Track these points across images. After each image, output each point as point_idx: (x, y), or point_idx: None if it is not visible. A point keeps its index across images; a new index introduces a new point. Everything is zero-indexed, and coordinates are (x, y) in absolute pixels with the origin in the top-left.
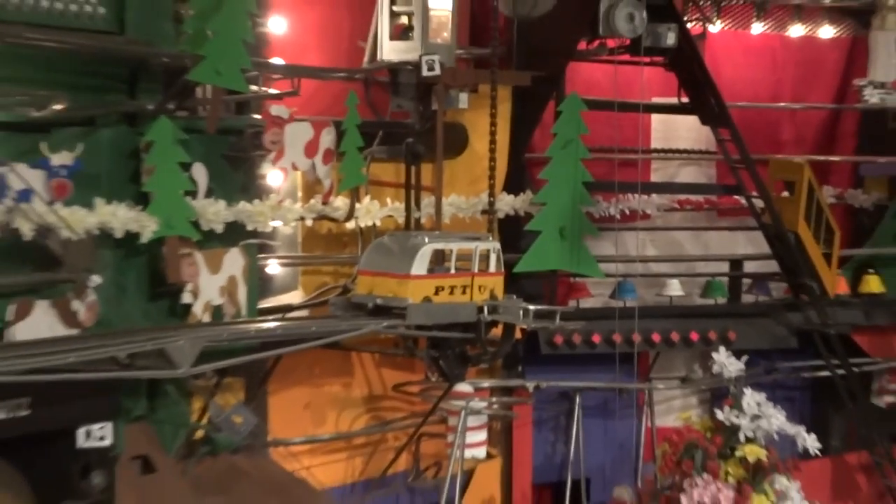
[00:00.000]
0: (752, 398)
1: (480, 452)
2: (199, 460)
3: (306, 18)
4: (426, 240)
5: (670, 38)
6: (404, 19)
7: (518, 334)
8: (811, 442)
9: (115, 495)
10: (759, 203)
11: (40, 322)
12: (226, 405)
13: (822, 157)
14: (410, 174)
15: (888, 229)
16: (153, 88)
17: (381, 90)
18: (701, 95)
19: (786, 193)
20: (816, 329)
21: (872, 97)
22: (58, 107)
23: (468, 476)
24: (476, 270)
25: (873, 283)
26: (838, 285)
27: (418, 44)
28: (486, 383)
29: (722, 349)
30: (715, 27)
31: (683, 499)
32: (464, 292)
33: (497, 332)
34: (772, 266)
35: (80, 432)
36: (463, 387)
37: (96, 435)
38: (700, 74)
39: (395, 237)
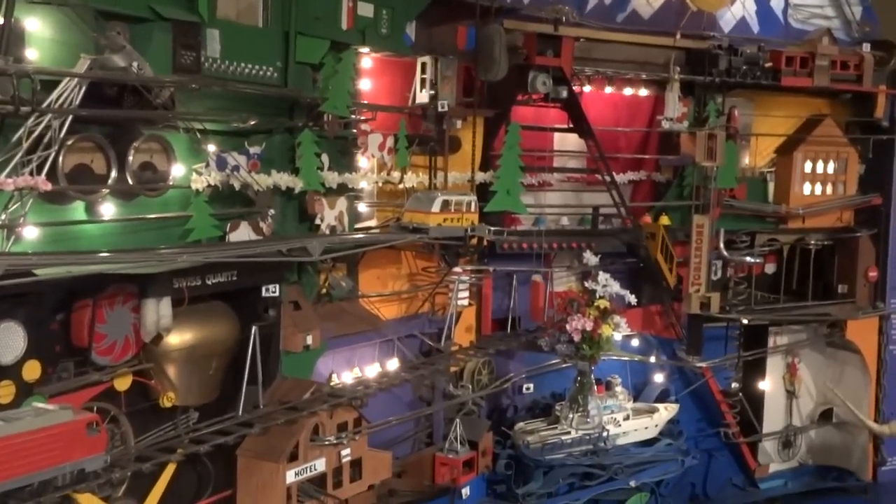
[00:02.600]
0: (602, 276)
1: (465, 302)
2: (323, 303)
3: (380, 80)
4: (439, 194)
5: (563, 93)
6: (430, 80)
7: (484, 243)
8: (631, 298)
9: (280, 321)
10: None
11: (243, 233)
12: (337, 275)
13: (640, 156)
14: (432, 161)
15: (672, 193)
16: (301, 114)
17: (417, 118)
18: (579, 123)
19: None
20: (635, 242)
21: (666, 125)
22: (253, 122)
23: (459, 314)
24: (464, 210)
25: (664, 220)
26: (645, 220)
27: (437, 94)
28: (468, 267)
29: (588, 252)
30: (587, 88)
31: (567, 325)
32: (458, 221)
33: (473, 241)
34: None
35: (263, 288)
36: (456, 269)
37: (271, 290)
38: (578, 112)
39: (423, 193)
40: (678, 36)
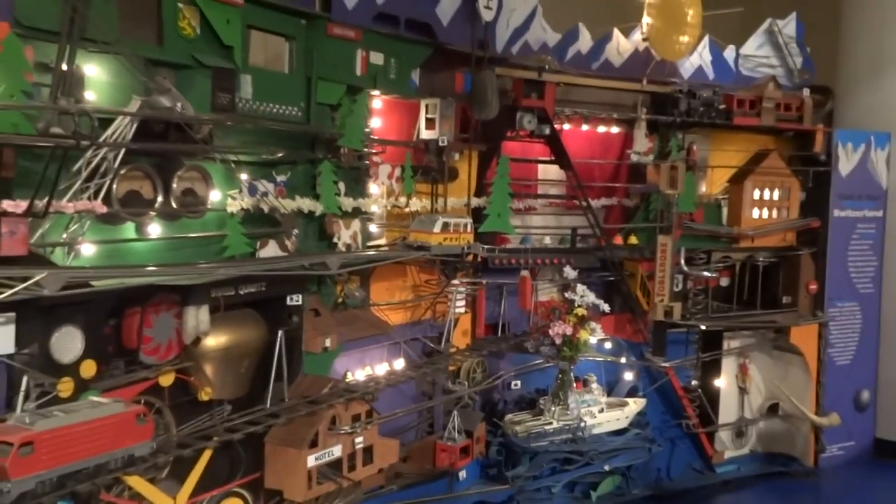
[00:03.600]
0: (580, 288)
1: (462, 310)
2: (339, 311)
3: (389, 118)
4: (439, 217)
5: (546, 130)
6: (432, 118)
7: (478, 259)
8: (605, 307)
9: (302, 326)
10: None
11: (271, 250)
12: (351, 287)
13: (612, 184)
14: (433, 188)
15: (640, 216)
16: (321, 147)
17: (421, 151)
18: (560, 156)
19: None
20: (608, 258)
21: (634, 158)
22: (280, 154)
23: (456, 320)
24: (461, 231)
25: (633, 239)
26: (617, 239)
27: (438, 131)
28: (464, 279)
29: (568, 267)
30: (566, 126)
31: (550, 330)
32: (456, 240)
33: (469, 258)
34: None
35: (288, 297)
36: (454, 281)
37: (295, 299)
38: (559, 147)
39: (426, 216)
40: (645, 81)
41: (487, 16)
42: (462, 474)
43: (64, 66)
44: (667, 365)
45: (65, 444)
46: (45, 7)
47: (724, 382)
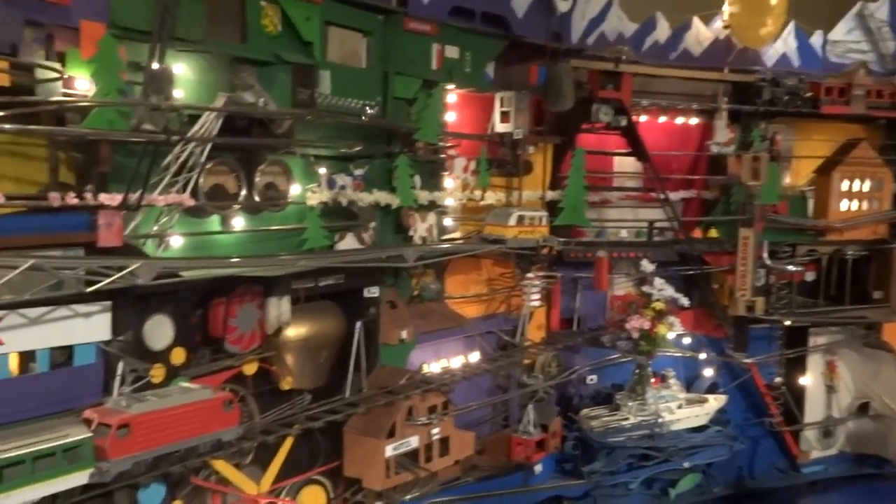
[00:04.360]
0: (658, 281)
1: (536, 303)
2: (415, 304)
3: (464, 112)
4: (515, 210)
5: (623, 122)
6: (506, 112)
7: (553, 252)
8: (684, 301)
9: (379, 318)
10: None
11: (349, 242)
12: (427, 280)
13: (691, 176)
14: (508, 181)
15: (720, 209)
16: (398, 141)
17: (495, 144)
18: (637, 148)
19: None
20: (687, 252)
21: (714, 149)
22: (357, 148)
23: (531, 314)
24: (536, 224)
25: (713, 232)
26: (696, 232)
27: (512, 124)
28: (539, 273)
29: (645, 261)
30: (643, 118)
31: (627, 325)
32: (531, 234)
33: (544, 251)
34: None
35: (366, 290)
36: (529, 275)
37: (372, 291)
38: (636, 139)
39: (501, 209)
40: (726, 70)
41: (563, 7)
42: (538, 468)
43: (155, 65)
44: (749, 361)
45: (158, 428)
46: (138, 8)
47: (809, 380)
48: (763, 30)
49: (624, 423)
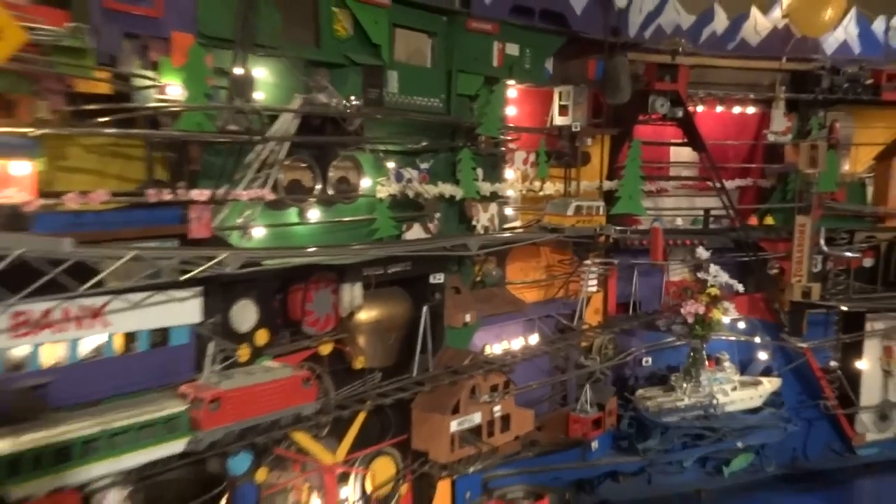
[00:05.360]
0: (713, 268)
1: (594, 289)
2: (478, 289)
3: (523, 106)
4: (573, 201)
5: (679, 113)
6: (565, 105)
7: (610, 240)
8: (738, 287)
9: (444, 302)
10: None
11: (416, 232)
12: (489, 266)
13: (747, 165)
14: (566, 172)
15: (776, 196)
16: (461, 136)
17: (554, 137)
18: (693, 138)
19: None
20: (742, 239)
21: (771, 138)
22: (424, 143)
23: (588, 298)
24: (593, 213)
25: (769, 220)
26: (751, 220)
27: (571, 117)
28: (597, 260)
29: (700, 248)
30: (700, 108)
31: (682, 309)
32: (588, 222)
33: (601, 239)
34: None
35: (431, 276)
36: (587, 261)
37: (438, 278)
38: (692, 129)
39: (560, 199)
40: (784, 60)
41: (620, 2)
42: (594, 445)
43: (238, 71)
44: (804, 345)
45: (245, 402)
46: (222, 19)
47: (866, 364)
48: (823, 18)
49: (678, 403)
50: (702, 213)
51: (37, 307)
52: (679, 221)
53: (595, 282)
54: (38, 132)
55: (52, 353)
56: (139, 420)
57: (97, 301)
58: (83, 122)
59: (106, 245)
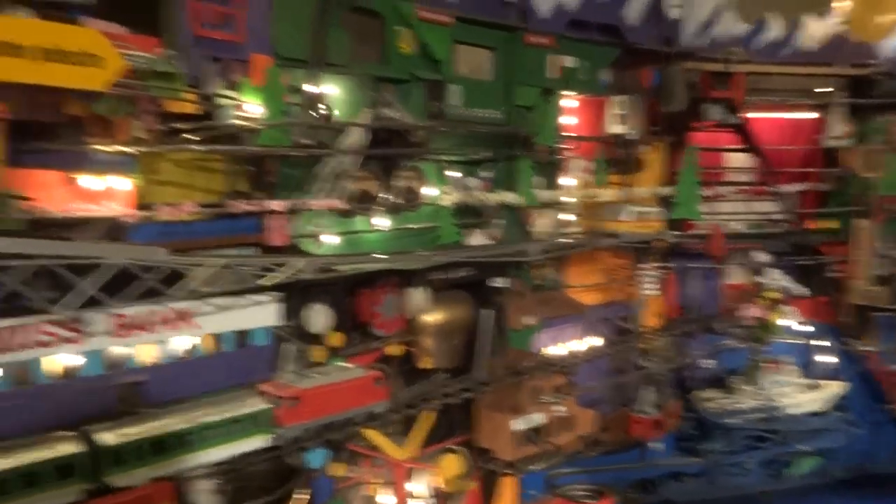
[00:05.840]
0: (772, 271)
1: (652, 292)
2: (538, 293)
3: (580, 115)
4: (630, 206)
5: (735, 120)
6: (621, 114)
7: (669, 244)
8: (799, 290)
9: (506, 305)
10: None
11: (478, 238)
12: (548, 271)
13: (805, 169)
14: (624, 179)
15: (835, 200)
16: (520, 145)
17: (611, 145)
18: (749, 144)
19: None
20: (802, 243)
21: (828, 143)
22: (484, 153)
23: (647, 302)
24: (651, 219)
25: (828, 223)
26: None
27: (627, 125)
28: (654, 264)
29: (759, 252)
30: (756, 114)
31: (741, 313)
32: (646, 228)
33: (659, 244)
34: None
35: (493, 280)
36: (645, 265)
37: (499, 282)
38: (748, 135)
39: (617, 205)
40: (840, 65)
41: (675, 13)
42: (656, 445)
43: (311, 88)
44: (870, 349)
45: (322, 400)
46: (296, 40)
47: None
48: (881, 23)
49: (740, 405)
50: (759, 217)
51: (134, 310)
52: (737, 226)
53: (653, 285)
54: (136, 150)
55: (148, 352)
56: (227, 416)
57: (188, 305)
58: (173, 140)
59: (192, 253)
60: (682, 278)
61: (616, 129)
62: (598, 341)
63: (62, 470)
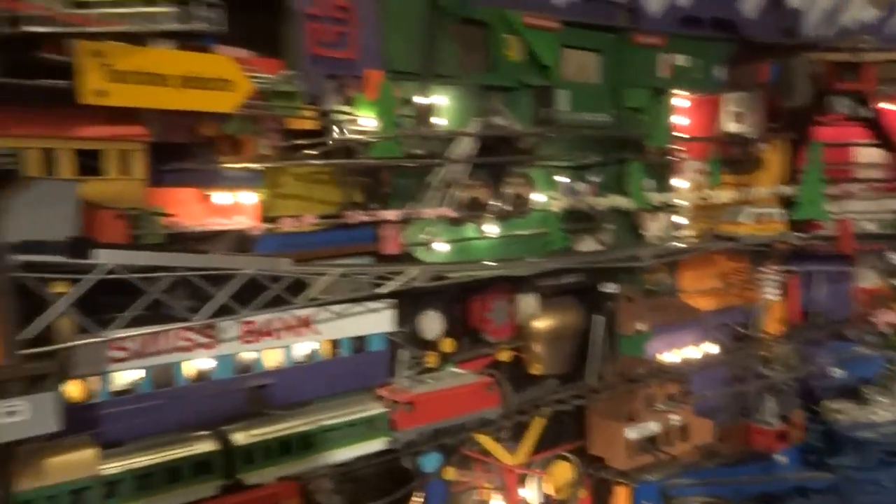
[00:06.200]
0: None
1: (774, 297)
2: (650, 298)
3: (693, 115)
4: (748, 208)
5: (865, 112)
6: (737, 112)
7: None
8: None
9: (617, 311)
10: None
11: (588, 244)
12: (661, 275)
13: None
14: (741, 179)
15: None
16: (630, 148)
17: (726, 144)
18: (883, 138)
19: None
20: None
21: None
22: (593, 157)
23: (768, 307)
24: (771, 221)
25: None
26: None
27: (743, 123)
28: (776, 267)
29: (894, 254)
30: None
31: (875, 318)
32: (766, 230)
33: (780, 246)
34: None
35: (603, 286)
36: (765, 269)
37: (610, 287)
38: (881, 128)
39: (734, 207)
40: None
41: (796, 3)
42: (780, 458)
43: (422, 100)
44: None
45: (436, 405)
46: (407, 55)
47: None
48: None
49: (874, 417)
50: (893, 216)
51: (259, 318)
52: (869, 225)
53: (775, 290)
54: (261, 166)
55: (273, 357)
56: (347, 419)
57: (308, 312)
58: (294, 155)
59: (314, 263)
60: (807, 282)
61: (732, 127)
62: (714, 348)
63: (201, 466)
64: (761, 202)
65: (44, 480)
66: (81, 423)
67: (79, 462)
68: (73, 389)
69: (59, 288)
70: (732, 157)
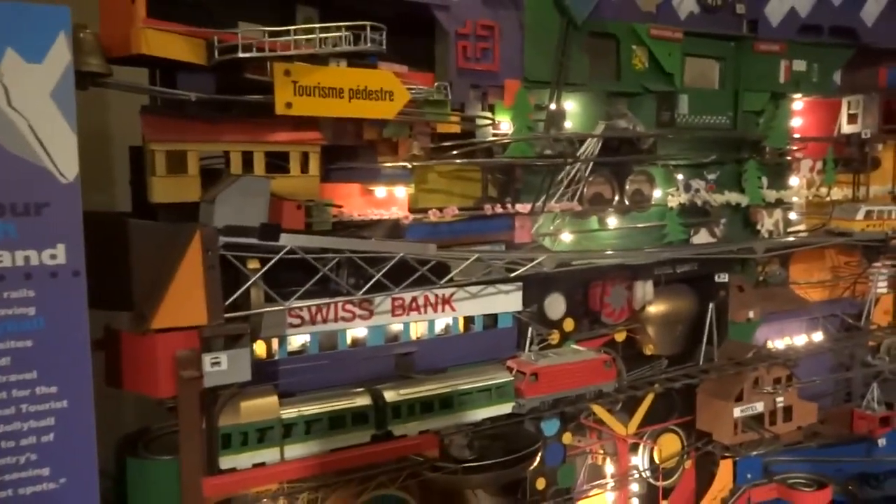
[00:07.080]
0: None
1: (884, 290)
2: (760, 288)
3: (809, 117)
4: (862, 206)
5: None
6: (854, 114)
7: None
8: None
9: (728, 299)
10: None
11: (702, 236)
12: (772, 267)
13: None
14: (855, 178)
15: None
16: (747, 148)
17: (842, 145)
18: None
19: None
20: None
21: None
22: (712, 157)
23: (877, 299)
24: (885, 218)
25: None
26: None
27: (860, 125)
28: (887, 262)
29: None
30: None
31: None
32: (879, 227)
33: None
34: None
35: (716, 275)
36: (876, 264)
37: (722, 277)
38: None
39: (848, 204)
40: None
41: None
42: (882, 442)
43: (553, 106)
44: None
45: (557, 377)
46: (542, 66)
47: None
48: None
49: None
50: None
51: (407, 295)
52: None
53: (886, 283)
54: (412, 164)
55: (417, 329)
56: (479, 385)
57: (448, 291)
58: (440, 155)
59: (454, 249)
60: None
61: (848, 128)
62: (821, 337)
63: (358, 417)
64: (876, 200)
65: (238, 419)
66: (265, 375)
67: (264, 406)
68: (259, 348)
69: (252, 264)
70: (848, 157)
